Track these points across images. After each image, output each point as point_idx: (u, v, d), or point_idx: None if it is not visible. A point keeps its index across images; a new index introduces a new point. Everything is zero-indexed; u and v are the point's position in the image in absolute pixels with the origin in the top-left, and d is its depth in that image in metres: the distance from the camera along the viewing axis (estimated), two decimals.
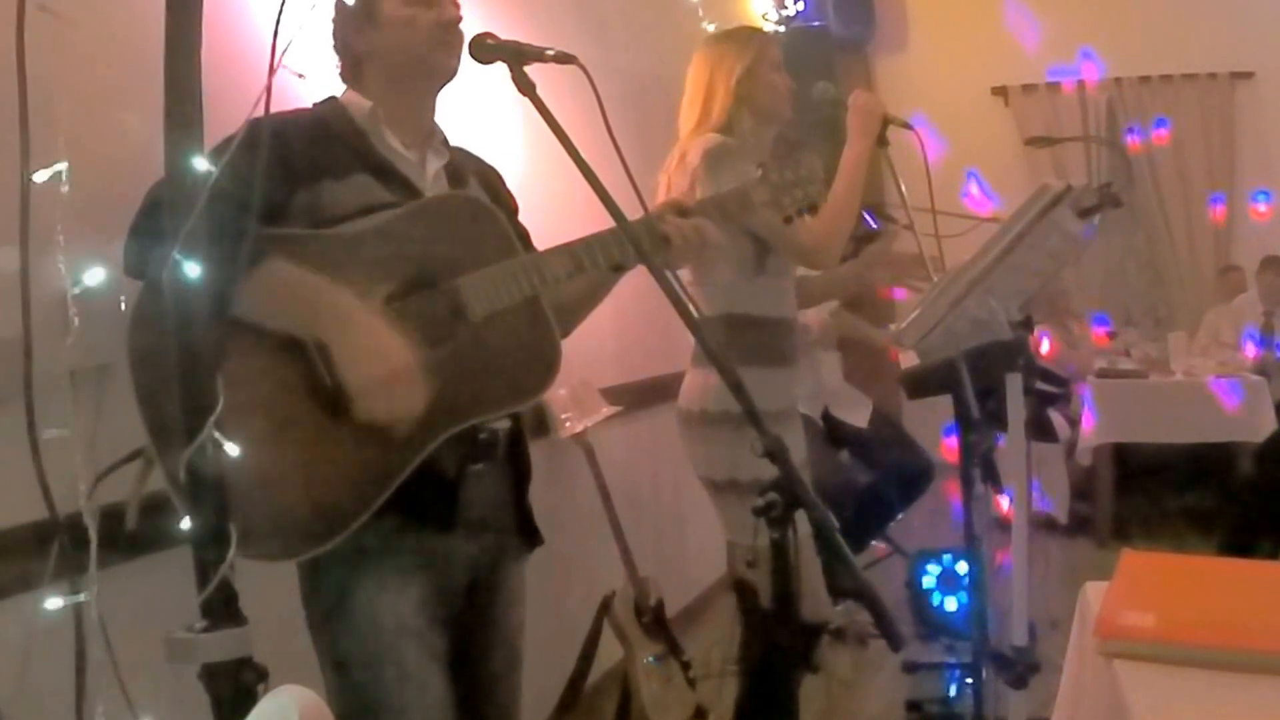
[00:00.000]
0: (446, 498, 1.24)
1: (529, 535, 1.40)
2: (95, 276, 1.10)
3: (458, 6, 1.30)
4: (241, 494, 1.08)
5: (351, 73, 1.32)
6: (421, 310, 1.19)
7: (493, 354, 1.22)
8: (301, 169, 1.19)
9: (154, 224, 1.06)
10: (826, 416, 2.91)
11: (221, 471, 0.86)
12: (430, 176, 1.31)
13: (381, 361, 1.13)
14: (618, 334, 2.87)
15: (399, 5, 1.25)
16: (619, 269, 1.32)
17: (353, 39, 1.29)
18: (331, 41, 1.32)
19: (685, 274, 1.87)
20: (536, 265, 1.23)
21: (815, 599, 1.88)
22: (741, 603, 1.96)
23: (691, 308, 1.11)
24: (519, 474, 1.37)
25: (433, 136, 1.34)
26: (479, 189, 1.37)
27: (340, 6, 1.29)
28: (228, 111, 1.02)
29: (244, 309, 1.09)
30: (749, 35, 1.97)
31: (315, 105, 1.30)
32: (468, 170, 1.38)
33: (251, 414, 1.10)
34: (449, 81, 1.32)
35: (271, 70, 0.96)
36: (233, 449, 0.86)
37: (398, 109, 1.29)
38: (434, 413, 1.18)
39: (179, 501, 1.05)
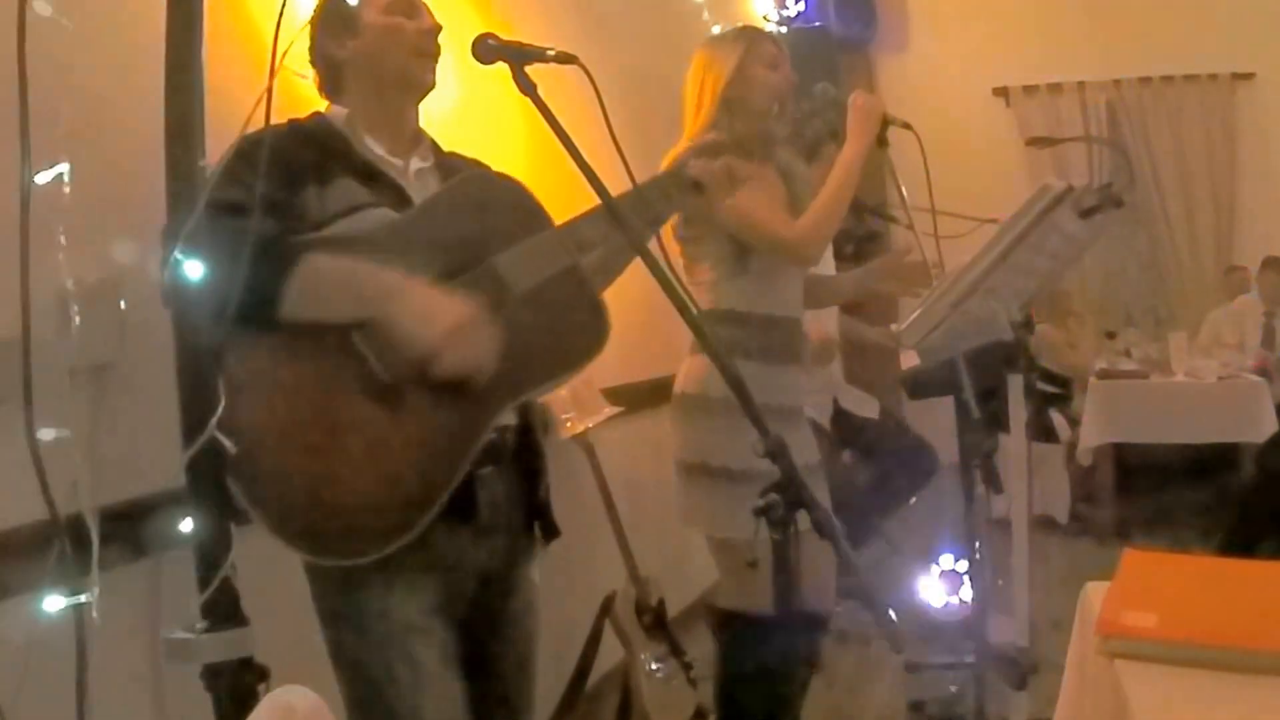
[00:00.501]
0: (464, 495, 1.23)
1: (546, 531, 1.39)
2: (96, 277, 1.10)
3: (435, 17, 1.31)
4: (311, 500, 1.08)
5: (331, 85, 1.33)
6: (465, 293, 1.18)
7: (542, 324, 1.22)
8: (291, 175, 1.19)
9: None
10: (837, 410, 2.92)
11: (222, 472, 0.86)
12: (412, 177, 1.31)
13: (443, 315, 1.13)
14: (619, 334, 2.85)
15: (380, 14, 1.26)
16: (656, 223, 1.33)
17: (333, 49, 1.29)
18: (309, 55, 1.32)
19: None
20: (572, 233, 1.23)
21: (821, 591, 1.87)
22: (716, 628, 1.95)
23: (689, 301, 1.11)
24: (531, 472, 1.37)
25: (418, 143, 1.35)
26: None
27: (320, 18, 1.30)
28: (228, 112, 1.02)
29: (292, 310, 1.10)
30: (737, 35, 1.95)
31: (296, 120, 1.30)
32: (460, 169, 1.38)
33: (314, 421, 1.11)
34: (426, 94, 1.33)
35: (272, 72, 0.96)
36: (232, 449, 0.86)
37: (379, 117, 1.29)
38: (492, 389, 1.19)
39: (254, 513, 1.05)
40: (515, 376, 1.21)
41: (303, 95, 1.36)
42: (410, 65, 1.29)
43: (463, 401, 1.17)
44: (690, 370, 1.91)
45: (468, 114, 2.18)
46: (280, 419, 1.09)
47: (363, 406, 1.14)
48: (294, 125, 1.28)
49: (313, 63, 1.33)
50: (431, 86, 1.32)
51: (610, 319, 1.28)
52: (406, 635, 1.20)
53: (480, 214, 1.24)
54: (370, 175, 1.26)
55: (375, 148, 1.29)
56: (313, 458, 1.11)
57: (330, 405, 1.13)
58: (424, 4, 1.32)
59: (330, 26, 1.29)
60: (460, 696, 1.24)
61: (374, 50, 1.27)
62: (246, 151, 1.03)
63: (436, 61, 1.31)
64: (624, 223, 1.19)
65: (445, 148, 1.42)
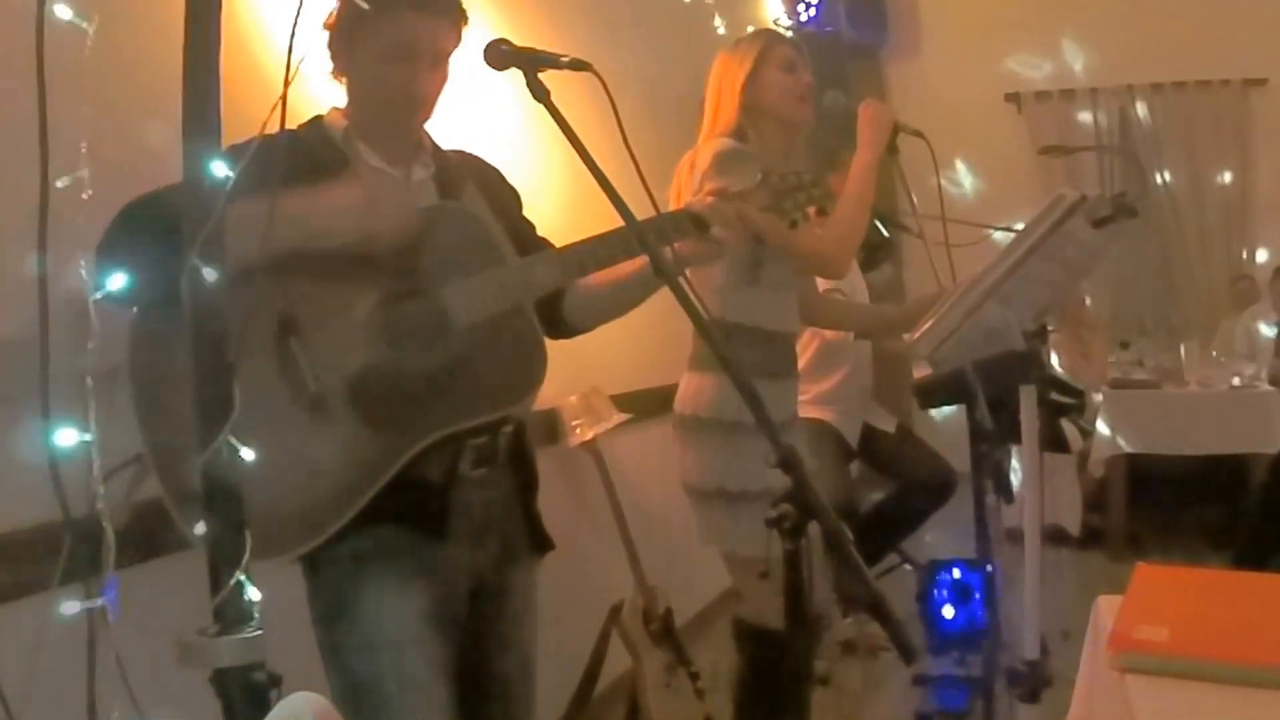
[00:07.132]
0: (436, 505, 1.24)
1: (538, 541, 1.39)
2: (116, 282, 1.11)
3: (435, 73, 1.27)
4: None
5: (340, 76, 1.32)
6: (406, 318, 1.20)
7: (479, 360, 1.22)
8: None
9: (124, 244, 1.08)
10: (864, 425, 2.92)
11: (237, 476, 0.86)
12: (413, 188, 1.31)
13: (347, 199, 1.15)
14: (628, 341, 2.87)
15: (373, 61, 1.24)
16: (660, 273, 1.31)
17: (339, 54, 1.28)
18: (326, 37, 1.30)
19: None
20: (523, 274, 1.24)
21: (819, 596, 1.87)
22: (740, 643, 1.95)
23: (702, 311, 1.11)
24: (524, 479, 1.37)
25: (419, 150, 1.34)
26: (476, 194, 1.36)
27: (331, 25, 1.27)
28: (246, 118, 1.03)
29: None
30: (752, 38, 1.96)
31: (300, 127, 1.30)
32: (464, 175, 1.37)
33: (238, 419, 1.10)
34: (425, 119, 1.32)
35: (286, 81, 0.96)
36: (249, 454, 0.86)
37: (379, 128, 1.29)
38: (420, 417, 1.19)
39: (176, 514, 1.07)
40: (449, 406, 1.20)
41: (318, 101, 1.37)
42: (394, 116, 1.28)
43: (387, 426, 1.18)
44: (697, 391, 1.89)
45: (480, 120, 2.18)
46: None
47: (288, 412, 1.15)
48: (291, 136, 1.24)
49: (328, 46, 1.30)
50: (425, 120, 1.31)
51: (547, 362, 1.28)
52: (397, 642, 1.21)
53: (438, 244, 1.23)
54: None
55: (373, 160, 1.28)
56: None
57: (255, 406, 1.12)
58: (432, 49, 1.25)
59: (333, 40, 1.27)
60: (449, 705, 1.23)
61: (361, 90, 1.28)
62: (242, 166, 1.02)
63: (427, 113, 1.30)
64: (645, 243, 1.19)
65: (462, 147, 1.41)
